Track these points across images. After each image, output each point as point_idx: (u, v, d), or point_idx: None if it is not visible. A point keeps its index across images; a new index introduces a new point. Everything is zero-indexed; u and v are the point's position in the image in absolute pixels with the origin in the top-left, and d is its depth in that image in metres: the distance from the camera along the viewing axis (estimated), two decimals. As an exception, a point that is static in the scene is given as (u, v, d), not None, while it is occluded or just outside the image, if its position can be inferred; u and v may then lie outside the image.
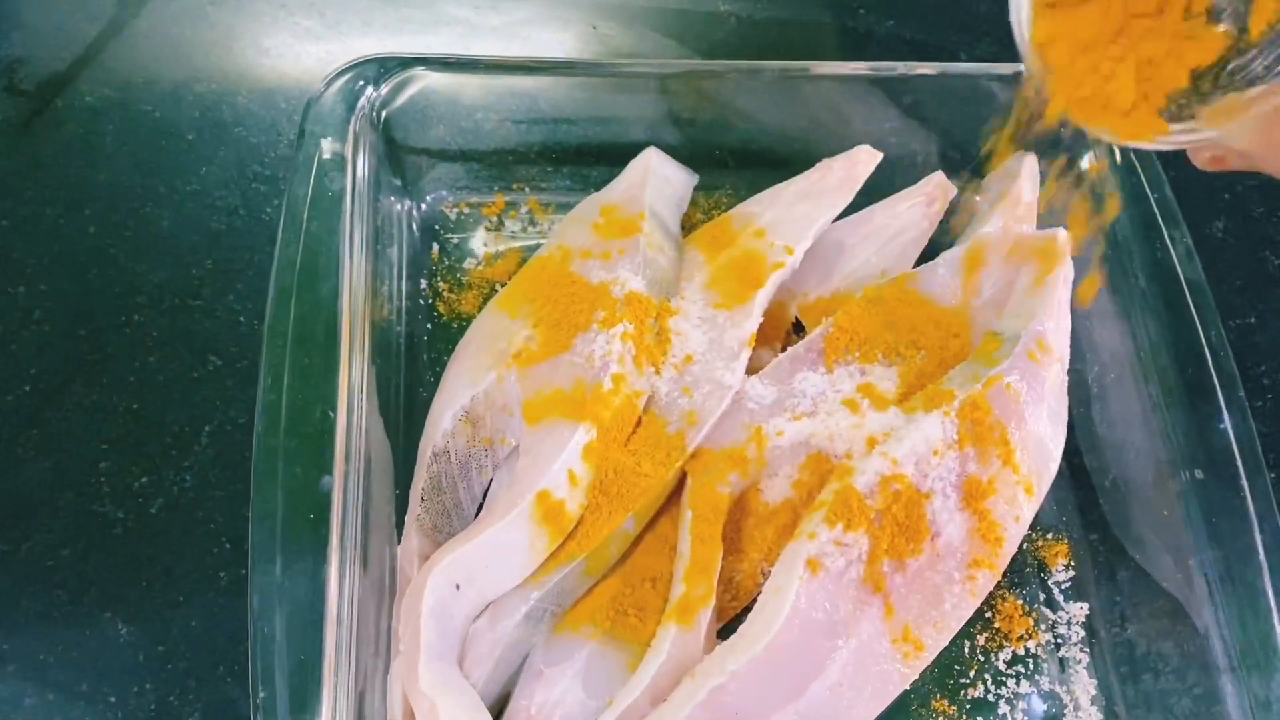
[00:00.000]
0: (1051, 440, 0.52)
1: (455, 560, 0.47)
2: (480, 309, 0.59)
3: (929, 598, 0.48)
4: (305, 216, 0.51)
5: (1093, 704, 0.53)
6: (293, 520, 0.45)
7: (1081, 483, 0.58)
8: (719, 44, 0.74)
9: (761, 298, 0.55)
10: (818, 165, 0.61)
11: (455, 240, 0.63)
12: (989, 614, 0.55)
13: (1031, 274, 0.56)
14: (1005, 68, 0.60)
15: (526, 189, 0.65)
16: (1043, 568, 0.56)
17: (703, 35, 0.74)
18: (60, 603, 0.52)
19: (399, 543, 0.51)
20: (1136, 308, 0.54)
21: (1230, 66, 0.37)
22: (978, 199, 0.65)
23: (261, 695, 0.41)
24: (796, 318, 0.60)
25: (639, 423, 0.52)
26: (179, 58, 0.69)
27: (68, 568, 0.53)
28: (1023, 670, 0.54)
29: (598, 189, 0.61)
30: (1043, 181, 0.61)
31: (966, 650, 0.54)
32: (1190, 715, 0.49)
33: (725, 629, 0.51)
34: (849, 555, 0.47)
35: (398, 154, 0.60)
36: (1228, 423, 0.50)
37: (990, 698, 0.53)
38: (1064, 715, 0.53)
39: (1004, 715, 0.52)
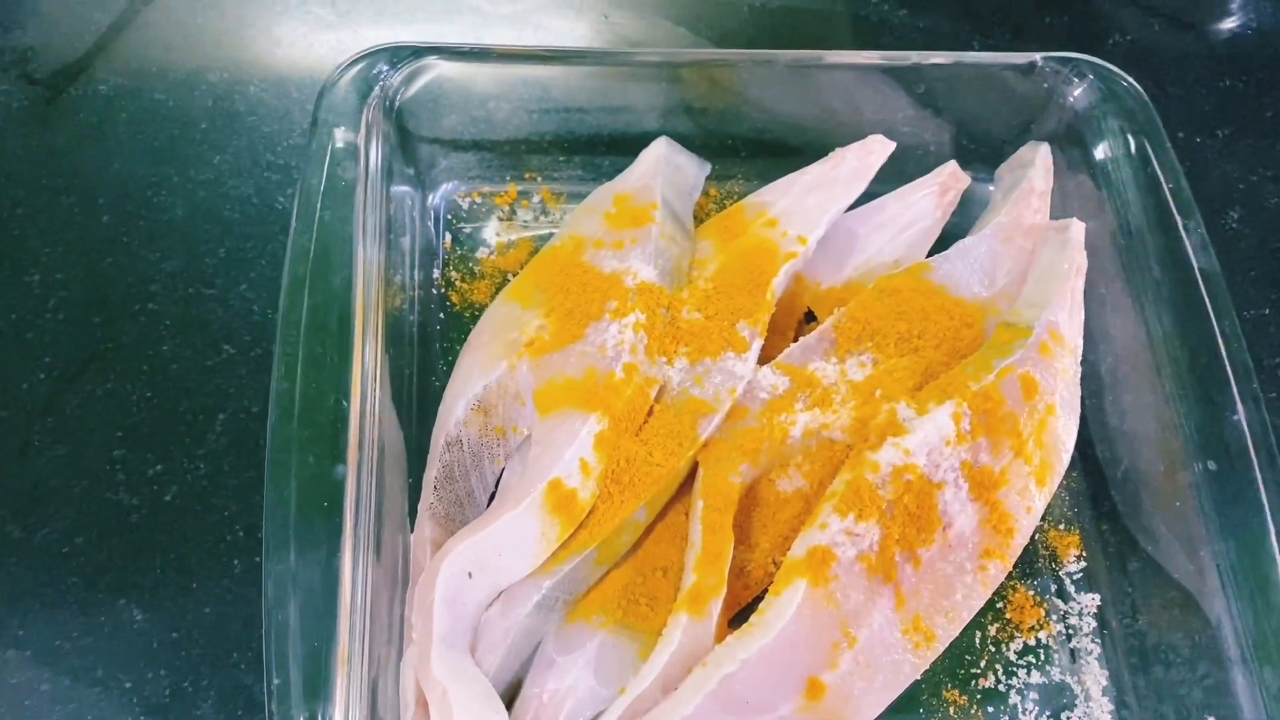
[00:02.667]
0: (1064, 431, 0.52)
1: (468, 548, 0.47)
2: (492, 298, 0.59)
3: (940, 588, 0.48)
4: (319, 206, 0.51)
5: (1104, 695, 0.53)
6: (307, 508, 0.45)
7: (1094, 473, 0.57)
8: (731, 33, 0.74)
9: (774, 288, 0.55)
10: (830, 154, 0.61)
11: (467, 230, 0.63)
12: (1000, 604, 0.55)
13: (1045, 264, 0.56)
14: (1019, 57, 0.60)
15: (538, 178, 0.65)
16: (1054, 558, 0.56)
17: (715, 24, 0.74)
18: (75, 589, 0.53)
19: (412, 531, 0.51)
20: (1150, 298, 0.54)
21: None
22: (991, 188, 0.65)
23: (276, 682, 0.42)
24: (808, 307, 0.60)
25: (651, 412, 0.52)
26: (191, 46, 0.70)
27: (82, 555, 0.54)
28: (1034, 661, 0.54)
29: (609, 178, 0.61)
30: (1056, 171, 0.61)
31: (978, 640, 0.54)
32: (1201, 707, 0.49)
33: (736, 618, 0.51)
34: (860, 545, 0.47)
35: (410, 143, 0.60)
36: (1241, 414, 0.50)
37: (1001, 688, 0.53)
38: (1075, 706, 0.53)
39: (1015, 705, 0.52)
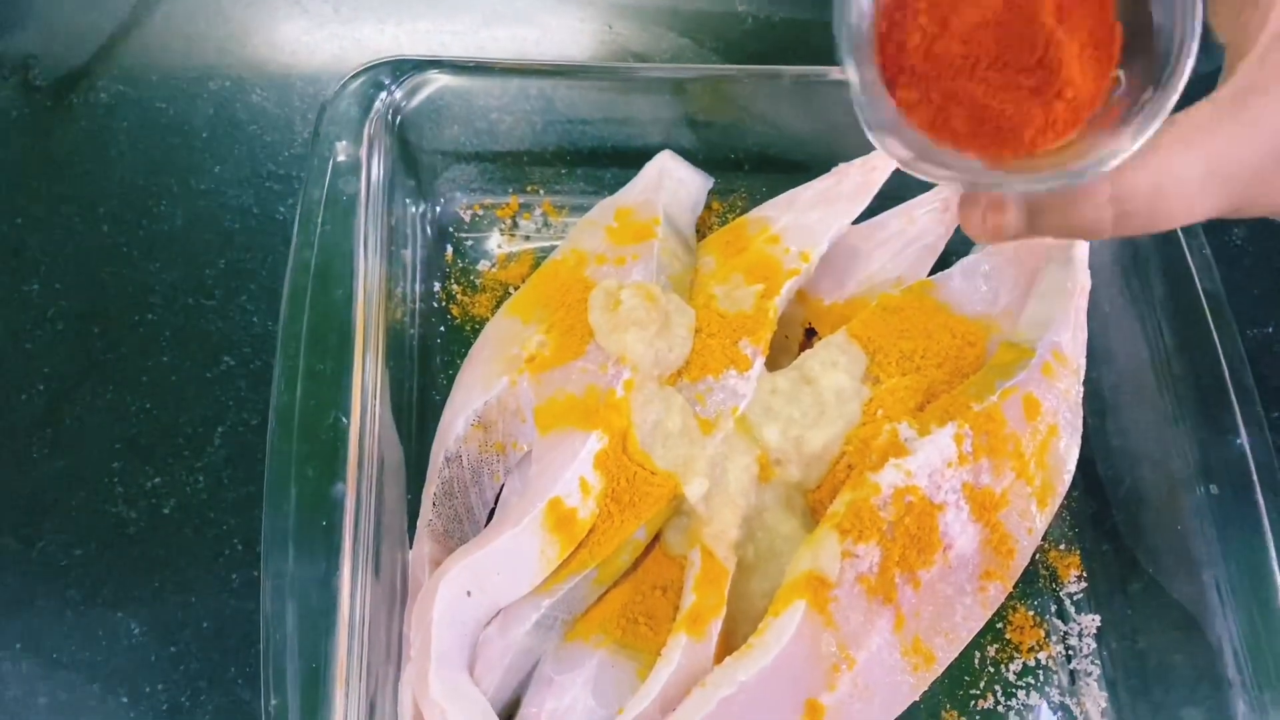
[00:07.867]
0: (1066, 452, 0.52)
1: (467, 567, 0.47)
2: (494, 312, 0.59)
3: (940, 609, 0.48)
4: (319, 220, 0.51)
5: (1103, 716, 0.53)
6: (305, 525, 0.45)
7: (1095, 494, 0.57)
8: (735, 44, 0.73)
9: (776, 304, 0.55)
10: (833, 170, 0.61)
11: (469, 242, 0.63)
12: (1000, 625, 0.54)
13: (1049, 283, 0.56)
14: (1024, 73, 0.60)
15: (541, 191, 0.64)
16: (1055, 578, 0.56)
17: (719, 35, 0.73)
18: (73, 602, 0.53)
19: (410, 547, 0.51)
20: (1153, 318, 0.54)
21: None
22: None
23: (274, 702, 0.42)
24: (810, 324, 0.60)
25: (652, 430, 0.52)
26: (193, 54, 0.69)
27: (80, 567, 0.54)
28: (1033, 682, 0.53)
29: (612, 191, 0.61)
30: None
31: (976, 661, 0.54)
32: (1201, 729, 0.49)
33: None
34: (860, 566, 0.47)
35: (412, 155, 0.59)
36: (1244, 437, 0.50)
37: (1000, 709, 0.53)
38: (1074, 727, 0.53)
39: (1014, 727, 0.52)
